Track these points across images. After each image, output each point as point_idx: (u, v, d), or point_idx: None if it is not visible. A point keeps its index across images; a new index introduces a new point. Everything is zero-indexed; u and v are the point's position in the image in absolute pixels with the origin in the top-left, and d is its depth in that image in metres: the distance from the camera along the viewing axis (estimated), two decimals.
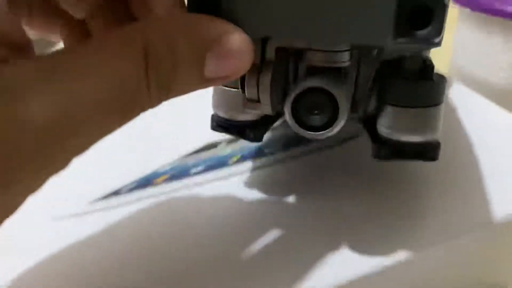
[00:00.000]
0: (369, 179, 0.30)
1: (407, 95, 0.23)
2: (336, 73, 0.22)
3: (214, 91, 0.26)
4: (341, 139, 0.34)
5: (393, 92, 0.23)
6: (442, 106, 0.23)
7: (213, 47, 0.18)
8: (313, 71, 0.21)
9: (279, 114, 0.24)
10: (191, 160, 0.32)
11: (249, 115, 0.26)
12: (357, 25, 0.19)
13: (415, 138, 0.23)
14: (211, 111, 0.27)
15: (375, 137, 0.24)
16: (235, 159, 0.32)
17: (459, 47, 0.48)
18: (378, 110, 0.24)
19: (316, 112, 0.21)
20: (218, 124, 0.26)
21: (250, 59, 0.19)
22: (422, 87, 0.23)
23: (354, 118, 0.24)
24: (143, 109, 0.17)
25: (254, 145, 0.33)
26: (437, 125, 0.23)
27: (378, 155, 0.24)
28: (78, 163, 0.17)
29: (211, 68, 0.18)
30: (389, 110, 0.23)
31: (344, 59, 0.21)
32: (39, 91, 0.15)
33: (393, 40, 0.19)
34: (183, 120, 0.36)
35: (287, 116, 0.21)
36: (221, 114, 0.26)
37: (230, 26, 0.18)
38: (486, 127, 0.35)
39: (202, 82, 0.18)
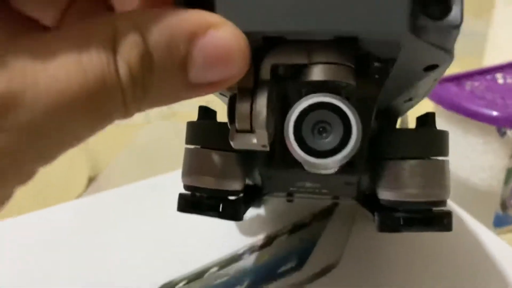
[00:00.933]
0: None
1: (410, 145, 0.20)
2: (336, 92, 0.18)
3: (186, 153, 0.22)
4: (319, 272, 0.30)
5: (393, 144, 0.20)
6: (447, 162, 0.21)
7: (197, 41, 0.14)
8: (316, 88, 0.18)
9: (258, 190, 0.20)
10: None
11: (227, 183, 0.22)
12: (366, 10, 0.15)
13: (424, 195, 0.20)
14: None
15: (376, 206, 0.21)
16: None
17: None
18: (375, 174, 0.21)
19: (324, 132, 0.17)
20: (187, 202, 0.22)
21: (245, 59, 0.15)
22: (427, 134, 0.20)
23: (350, 183, 0.21)
24: (117, 108, 0.14)
25: (216, 284, 0.29)
26: (447, 182, 0.21)
27: (382, 227, 0.21)
28: None
29: (196, 69, 0.15)
30: (390, 166, 0.20)
31: (347, 76, 0.18)
32: None
33: (409, 29, 0.15)
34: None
35: (289, 140, 0.17)
36: (192, 181, 0.22)
37: (219, 18, 0.15)
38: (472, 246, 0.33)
39: (187, 87, 0.15)
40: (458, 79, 0.45)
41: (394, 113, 0.23)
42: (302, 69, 0.18)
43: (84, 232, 0.34)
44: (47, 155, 0.14)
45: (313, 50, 0.18)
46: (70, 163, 0.43)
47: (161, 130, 0.52)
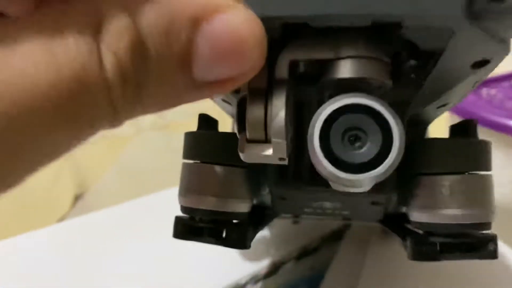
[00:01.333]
0: None
1: (448, 157, 0.18)
2: (373, 90, 0.15)
3: (184, 170, 0.19)
4: None
5: (427, 157, 0.18)
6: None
7: (203, 28, 0.12)
8: (342, 88, 0.15)
9: (269, 214, 0.18)
10: None
11: (232, 205, 0.19)
12: None
13: (465, 216, 0.17)
14: None
15: (406, 229, 0.19)
16: None
17: None
18: (407, 191, 0.19)
19: (357, 141, 0.14)
20: (184, 227, 0.19)
21: (261, 51, 0.13)
22: (468, 145, 0.18)
23: (378, 203, 0.18)
24: (102, 114, 0.11)
25: None
26: (492, 201, 0.18)
27: (417, 255, 0.18)
28: None
29: (202, 63, 0.12)
30: (424, 182, 0.18)
31: (384, 74, 0.15)
32: None
33: (465, 9, 0.13)
34: None
35: (314, 151, 0.14)
36: (191, 202, 0.19)
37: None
38: None
39: (191, 86, 0.12)
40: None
41: (424, 121, 0.20)
42: (326, 66, 0.15)
43: (69, 259, 0.31)
44: (8, 179, 0.11)
45: (340, 41, 0.14)
46: (53, 179, 0.40)
47: (153, 142, 0.48)
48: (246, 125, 0.15)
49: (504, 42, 0.15)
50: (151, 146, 0.46)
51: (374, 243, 0.31)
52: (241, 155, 0.15)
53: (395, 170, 0.15)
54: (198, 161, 0.19)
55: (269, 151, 0.15)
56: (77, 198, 0.43)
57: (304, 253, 0.31)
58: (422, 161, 0.18)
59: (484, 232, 0.18)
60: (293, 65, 0.15)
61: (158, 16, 0.11)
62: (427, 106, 0.19)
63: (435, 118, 0.22)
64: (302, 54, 0.15)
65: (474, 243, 0.18)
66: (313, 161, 0.14)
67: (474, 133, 0.19)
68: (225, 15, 0.12)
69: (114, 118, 0.12)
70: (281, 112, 0.14)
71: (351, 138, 0.14)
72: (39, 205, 0.40)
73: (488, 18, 0.13)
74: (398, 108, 0.17)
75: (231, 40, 0.12)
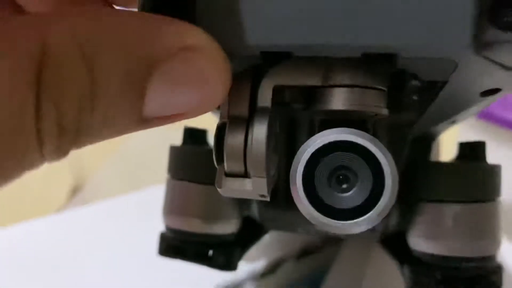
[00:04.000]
0: None
1: (453, 182, 0.17)
2: (368, 121, 0.14)
3: (168, 188, 0.19)
4: None
5: (431, 183, 0.17)
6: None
7: (160, 67, 0.11)
8: (332, 121, 0.14)
9: (260, 229, 0.17)
10: None
11: (219, 226, 0.18)
12: (417, 20, 0.11)
13: (470, 250, 0.17)
14: None
15: (405, 254, 0.18)
16: None
17: None
18: (409, 217, 0.17)
19: (345, 183, 0.13)
20: (169, 245, 0.18)
21: (222, 90, 0.12)
22: (476, 172, 0.17)
23: (373, 230, 0.17)
24: (32, 158, 0.10)
25: None
26: (499, 231, 0.17)
27: (417, 284, 0.17)
28: None
29: (155, 101, 0.11)
30: (427, 210, 0.17)
31: (379, 103, 0.13)
32: None
33: (472, 41, 0.11)
34: None
35: (296, 191, 0.13)
36: (175, 223, 0.18)
37: (196, 37, 0.11)
38: None
39: (138, 123, 0.12)
40: None
41: (429, 137, 0.19)
42: (315, 94, 0.13)
43: (65, 250, 0.31)
44: None
45: (331, 67, 0.13)
46: (49, 171, 0.39)
47: (153, 135, 0.48)
48: (224, 156, 0.14)
49: None
50: (151, 138, 0.45)
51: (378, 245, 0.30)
52: (219, 190, 0.14)
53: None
54: (182, 179, 0.18)
55: (249, 187, 0.14)
56: (75, 190, 0.42)
57: (304, 253, 0.30)
58: (426, 186, 0.17)
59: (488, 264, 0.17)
60: (278, 91, 0.14)
61: (116, 56, 0.10)
62: (435, 126, 0.18)
63: (443, 131, 0.21)
64: (287, 80, 0.13)
65: (475, 276, 0.17)
66: (296, 201, 0.13)
67: (483, 157, 0.18)
68: (191, 54, 0.11)
69: (43, 162, 0.11)
70: (262, 145, 0.13)
71: (339, 179, 0.13)
72: (36, 197, 0.39)
73: (498, 49, 0.12)
74: (400, 130, 0.15)
75: (190, 81, 0.11)
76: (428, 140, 0.19)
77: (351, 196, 0.13)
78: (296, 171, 0.12)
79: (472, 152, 0.18)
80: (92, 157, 0.42)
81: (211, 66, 0.11)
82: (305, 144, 0.13)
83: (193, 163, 0.18)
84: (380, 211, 0.12)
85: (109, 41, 0.10)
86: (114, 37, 0.10)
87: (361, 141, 0.12)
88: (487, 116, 0.37)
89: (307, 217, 0.13)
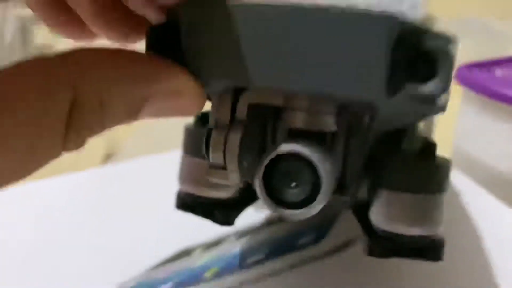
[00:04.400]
0: None
1: (405, 178, 0.20)
2: (319, 139, 0.18)
3: (182, 161, 0.23)
4: (338, 246, 0.29)
5: (388, 174, 0.20)
6: (445, 196, 0.21)
7: (153, 101, 0.15)
8: (293, 135, 0.18)
9: (254, 194, 0.20)
10: (159, 274, 0.27)
11: (220, 192, 0.22)
12: (343, 73, 0.15)
13: (414, 230, 0.21)
14: None
15: (368, 229, 0.22)
16: (211, 272, 0.27)
17: (463, 131, 0.44)
18: (371, 196, 0.21)
19: (293, 184, 0.16)
20: (184, 202, 0.23)
21: (196, 108, 0.17)
22: (424, 169, 0.20)
23: (345, 202, 0.21)
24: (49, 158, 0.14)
25: (233, 252, 0.28)
26: (440, 217, 0.21)
27: (371, 252, 0.21)
28: None
29: (145, 116, 0.16)
30: (383, 195, 0.20)
31: (328, 124, 0.18)
32: None
33: (386, 94, 0.15)
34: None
35: (258, 188, 0.17)
36: (187, 188, 0.23)
37: (182, 78, 0.16)
38: (488, 222, 0.32)
39: (130, 119, 0.16)
40: (487, 65, 0.43)
41: (403, 129, 0.22)
42: (282, 111, 0.18)
43: (100, 200, 0.34)
44: None
45: (291, 94, 0.17)
46: None
47: None
48: (209, 152, 0.18)
49: (438, 108, 0.17)
50: None
51: None
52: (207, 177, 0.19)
53: (361, 178, 0.19)
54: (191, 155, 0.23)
55: (225, 177, 0.18)
56: (107, 157, 0.45)
57: None
58: (384, 175, 0.21)
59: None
60: (253, 106, 0.18)
61: (121, 101, 0.15)
62: (400, 124, 0.21)
63: (421, 121, 0.24)
64: (258, 99, 0.18)
65: (422, 246, 0.21)
66: (258, 194, 0.17)
67: (432, 157, 0.21)
68: (178, 96, 0.16)
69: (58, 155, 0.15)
70: (235, 143, 0.18)
71: (289, 180, 0.17)
72: (69, 164, 0.42)
73: (412, 98, 0.16)
74: (361, 136, 0.18)
75: (172, 112, 0.16)
76: (399, 132, 0.22)
77: (297, 192, 0.16)
78: (259, 174, 0.17)
79: (427, 149, 0.21)
80: (124, 126, 0.46)
81: (189, 104, 0.16)
82: (268, 152, 0.17)
83: (198, 141, 0.21)
84: (314, 207, 0.16)
85: (119, 87, 0.15)
86: (124, 83, 0.15)
87: (303, 152, 0.16)
88: (486, 92, 0.39)
89: (268, 207, 0.17)
